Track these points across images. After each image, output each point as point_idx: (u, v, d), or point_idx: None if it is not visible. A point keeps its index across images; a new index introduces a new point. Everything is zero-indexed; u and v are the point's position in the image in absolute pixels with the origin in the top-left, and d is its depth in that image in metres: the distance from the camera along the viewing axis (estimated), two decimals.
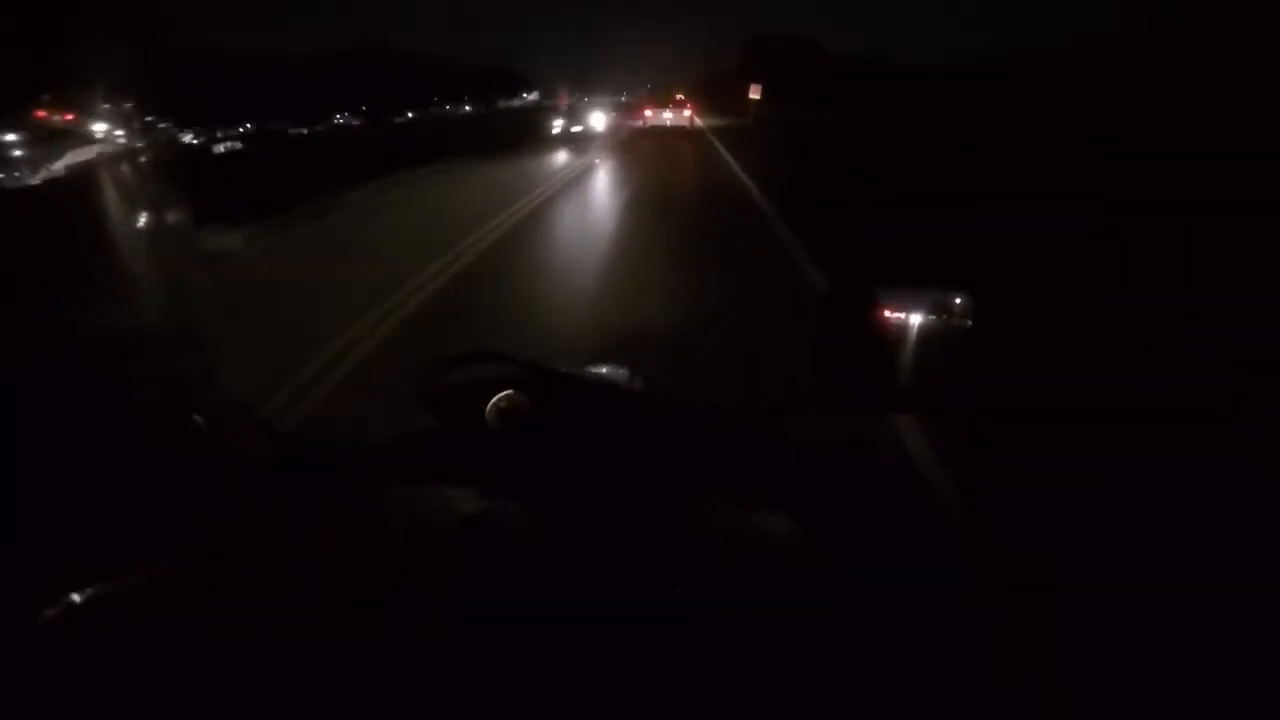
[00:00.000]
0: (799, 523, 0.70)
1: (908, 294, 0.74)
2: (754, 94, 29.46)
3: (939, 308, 0.74)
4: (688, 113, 30.33)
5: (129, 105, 0.92)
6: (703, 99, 47.36)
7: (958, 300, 0.73)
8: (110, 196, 0.85)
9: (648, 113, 31.66)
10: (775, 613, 0.61)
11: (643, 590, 0.61)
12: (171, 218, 0.85)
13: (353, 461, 0.77)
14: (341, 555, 0.62)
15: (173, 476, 0.65)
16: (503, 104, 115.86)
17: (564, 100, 47.72)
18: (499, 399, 0.78)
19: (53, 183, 0.85)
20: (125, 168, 0.94)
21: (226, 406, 0.77)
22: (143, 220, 0.85)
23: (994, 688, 0.68)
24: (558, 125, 24.62)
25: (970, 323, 0.74)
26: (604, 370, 0.93)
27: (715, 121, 33.50)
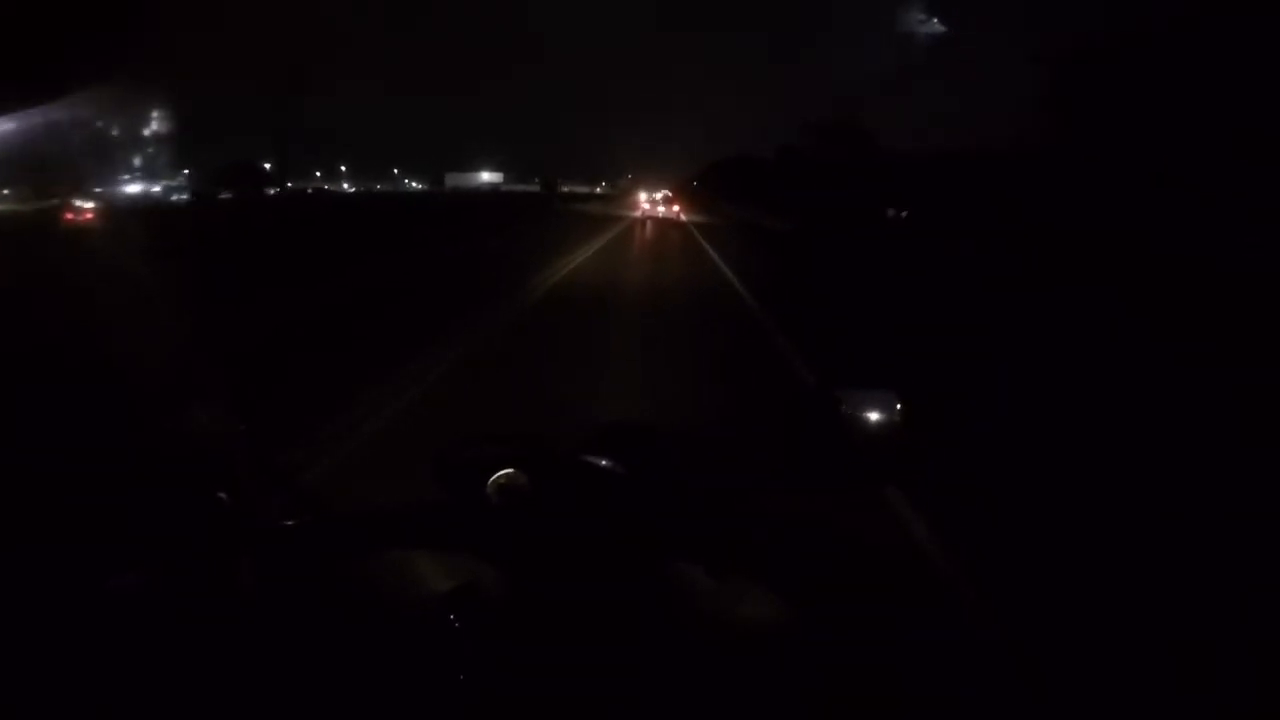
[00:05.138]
0: (775, 594, 0.73)
1: (860, 394, 0.89)
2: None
3: (885, 406, 0.88)
4: (676, 208, 35.87)
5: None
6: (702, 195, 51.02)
7: (896, 405, 0.89)
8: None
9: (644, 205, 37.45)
10: (751, 678, 0.65)
11: (618, 659, 0.66)
12: None
13: (361, 524, 0.85)
14: (335, 609, 0.67)
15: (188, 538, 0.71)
16: (451, 183, 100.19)
17: None
18: (500, 475, 0.82)
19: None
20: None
21: (251, 468, 0.84)
22: None
23: None
24: None
25: (901, 418, 0.88)
26: (593, 459, 0.93)
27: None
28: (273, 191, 48.51)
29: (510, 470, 0.83)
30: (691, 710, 0.63)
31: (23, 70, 0.53)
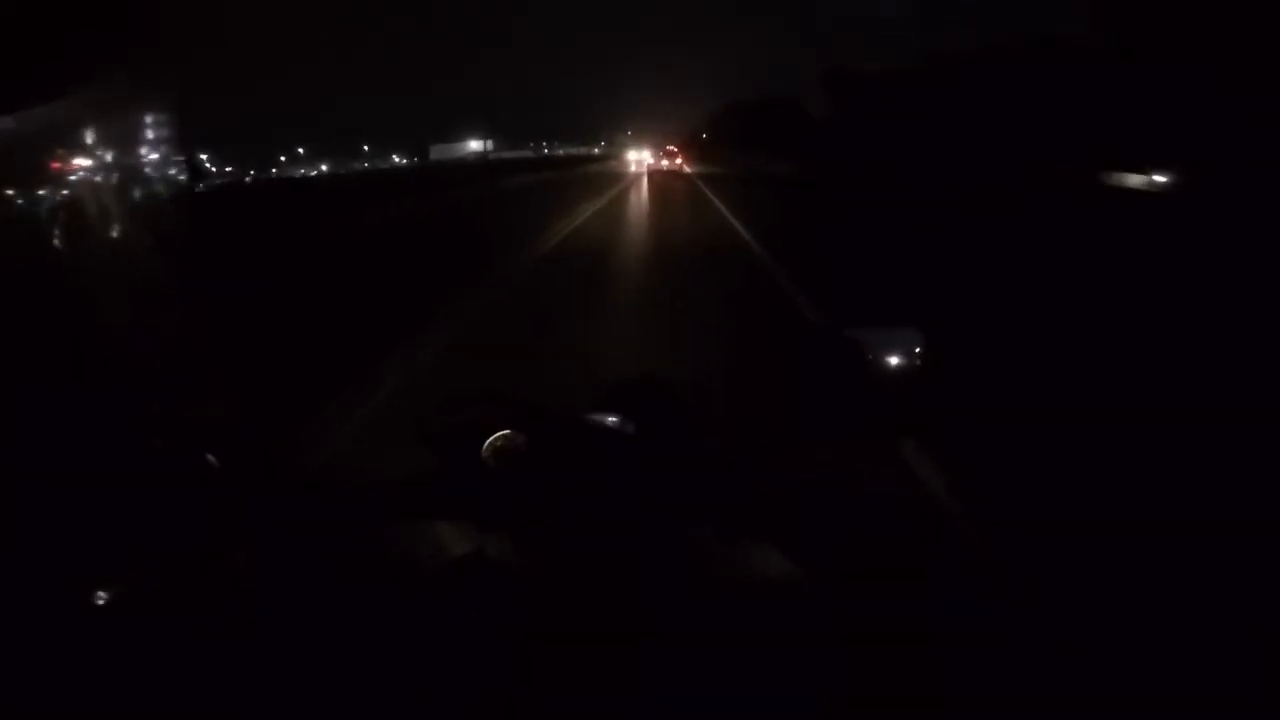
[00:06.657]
0: (788, 554, 0.72)
1: (880, 335, 0.81)
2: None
3: (906, 348, 0.80)
4: (679, 160, 35.64)
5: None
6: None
7: (917, 347, 0.81)
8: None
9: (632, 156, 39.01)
10: (763, 641, 0.64)
11: (631, 623, 0.65)
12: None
13: (358, 498, 0.82)
14: (341, 585, 0.67)
15: (182, 512, 0.70)
16: (436, 155, 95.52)
17: None
18: (496, 438, 0.80)
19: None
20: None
21: (243, 445, 0.83)
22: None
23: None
24: None
25: (920, 361, 0.80)
26: (599, 417, 0.90)
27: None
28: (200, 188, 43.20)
29: (507, 432, 0.80)
30: (700, 676, 0.62)
31: (23, 70, 0.52)
